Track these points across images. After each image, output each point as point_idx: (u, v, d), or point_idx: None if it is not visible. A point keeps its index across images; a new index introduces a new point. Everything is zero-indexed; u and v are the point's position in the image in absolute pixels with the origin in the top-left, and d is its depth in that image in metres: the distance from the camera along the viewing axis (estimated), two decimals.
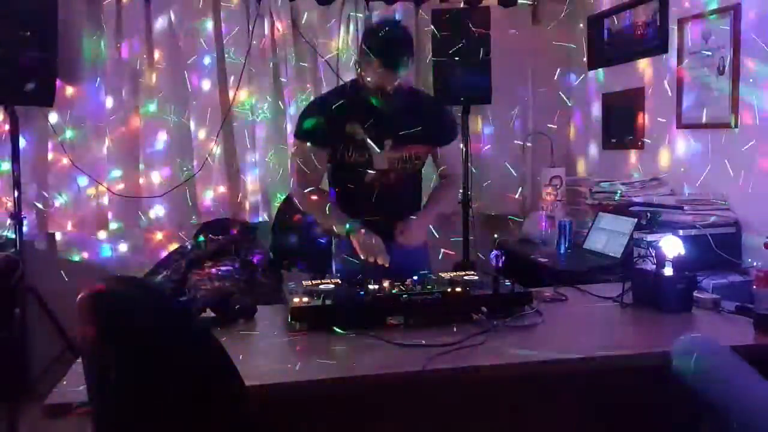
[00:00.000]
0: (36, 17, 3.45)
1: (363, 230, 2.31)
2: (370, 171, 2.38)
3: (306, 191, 2.41)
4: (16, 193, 3.55)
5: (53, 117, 3.83)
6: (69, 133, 3.90)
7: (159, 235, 4.13)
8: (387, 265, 2.26)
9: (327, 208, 2.39)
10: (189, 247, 3.83)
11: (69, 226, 3.98)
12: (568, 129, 4.47)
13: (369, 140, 2.35)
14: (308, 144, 2.39)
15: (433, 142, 2.48)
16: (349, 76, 4.07)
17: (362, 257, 2.29)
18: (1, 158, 3.76)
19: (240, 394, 1.33)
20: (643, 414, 1.79)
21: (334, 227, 2.41)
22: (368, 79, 2.27)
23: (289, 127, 4.09)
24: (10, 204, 3.58)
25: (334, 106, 2.38)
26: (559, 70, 4.22)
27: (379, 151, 2.36)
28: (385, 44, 2.23)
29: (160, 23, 3.97)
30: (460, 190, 2.67)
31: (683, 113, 3.33)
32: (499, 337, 1.85)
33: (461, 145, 3.86)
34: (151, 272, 3.76)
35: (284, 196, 3.95)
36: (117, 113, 3.95)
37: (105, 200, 3.98)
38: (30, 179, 3.82)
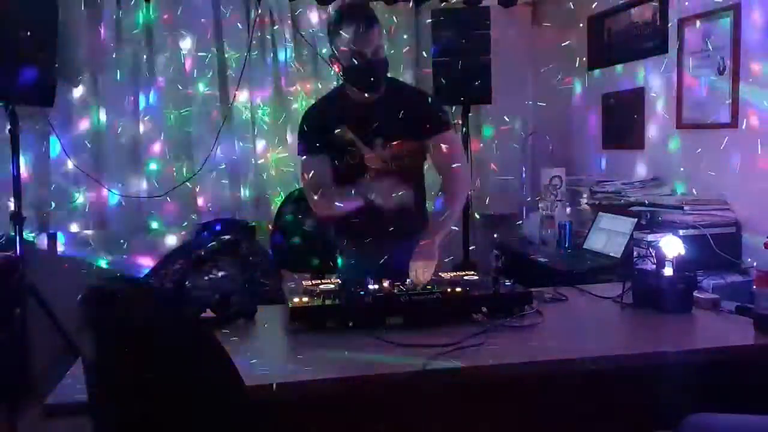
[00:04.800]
0: (36, 17, 3.45)
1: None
2: (365, 172, 2.35)
3: (324, 194, 2.37)
4: (16, 194, 3.55)
5: (53, 117, 3.83)
6: (69, 133, 3.90)
7: (159, 235, 4.13)
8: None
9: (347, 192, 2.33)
10: (189, 247, 3.83)
11: (69, 226, 3.98)
12: (568, 129, 4.47)
13: (358, 140, 2.33)
14: (311, 156, 2.39)
15: (423, 135, 2.40)
16: None
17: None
18: (1, 158, 3.76)
19: (240, 394, 1.33)
20: (642, 414, 1.79)
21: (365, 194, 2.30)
22: (344, 60, 2.28)
23: (289, 127, 4.10)
24: (10, 204, 3.57)
25: (320, 113, 2.40)
26: (559, 70, 4.22)
27: (369, 149, 2.34)
28: (342, 10, 2.32)
29: (159, 23, 3.97)
30: (468, 191, 2.57)
31: (683, 113, 3.33)
32: (499, 337, 1.85)
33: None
34: (151, 272, 3.76)
35: (284, 196, 3.95)
36: (117, 113, 3.96)
37: (105, 200, 3.98)
38: (30, 179, 3.82)
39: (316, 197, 2.40)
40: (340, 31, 2.25)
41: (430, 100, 2.54)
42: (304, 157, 2.42)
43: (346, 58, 2.27)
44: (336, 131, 2.34)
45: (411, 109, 2.37)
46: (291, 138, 4.10)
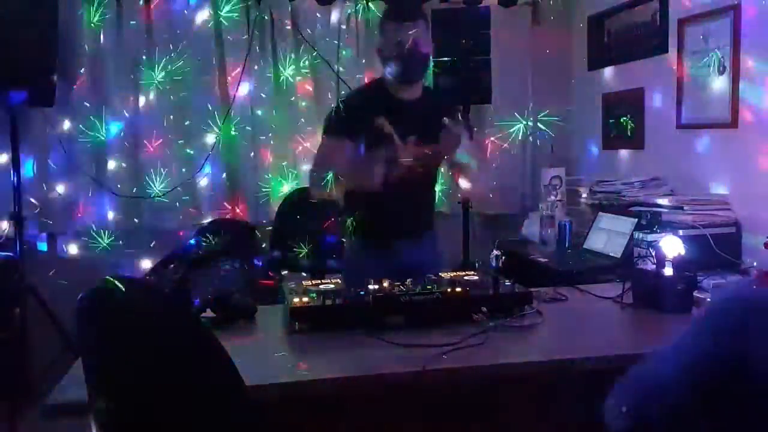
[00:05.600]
0: (36, 17, 3.44)
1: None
2: (395, 166, 2.33)
3: (315, 176, 2.44)
4: (16, 193, 3.54)
5: (53, 117, 3.83)
6: (69, 133, 3.90)
7: (159, 235, 4.12)
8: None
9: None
10: (189, 247, 3.83)
11: (69, 226, 3.98)
12: (568, 129, 4.46)
13: (395, 134, 2.33)
14: (330, 138, 2.45)
15: None
16: (348, 77, 4.08)
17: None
18: (0, 158, 3.76)
19: (240, 394, 1.33)
20: None
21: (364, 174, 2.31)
22: (387, 53, 2.38)
23: (289, 127, 4.09)
24: (10, 204, 3.57)
25: (358, 102, 2.46)
26: (559, 70, 4.22)
27: (403, 145, 2.34)
28: (391, 5, 2.53)
29: (160, 23, 3.97)
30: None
31: (683, 113, 3.33)
32: (499, 337, 1.85)
33: None
34: (151, 272, 3.76)
35: (284, 197, 3.95)
36: (117, 113, 3.95)
37: (105, 200, 3.98)
38: (30, 179, 3.82)
39: (313, 175, 2.49)
40: (384, 23, 2.42)
41: (461, 109, 2.72)
42: (325, 137, 2.50)
43: (387, 49, 2.40)
44: (374, 120, 2.35)
45: (445, 114, 2.45)
46: (291, 138, 4.10)
